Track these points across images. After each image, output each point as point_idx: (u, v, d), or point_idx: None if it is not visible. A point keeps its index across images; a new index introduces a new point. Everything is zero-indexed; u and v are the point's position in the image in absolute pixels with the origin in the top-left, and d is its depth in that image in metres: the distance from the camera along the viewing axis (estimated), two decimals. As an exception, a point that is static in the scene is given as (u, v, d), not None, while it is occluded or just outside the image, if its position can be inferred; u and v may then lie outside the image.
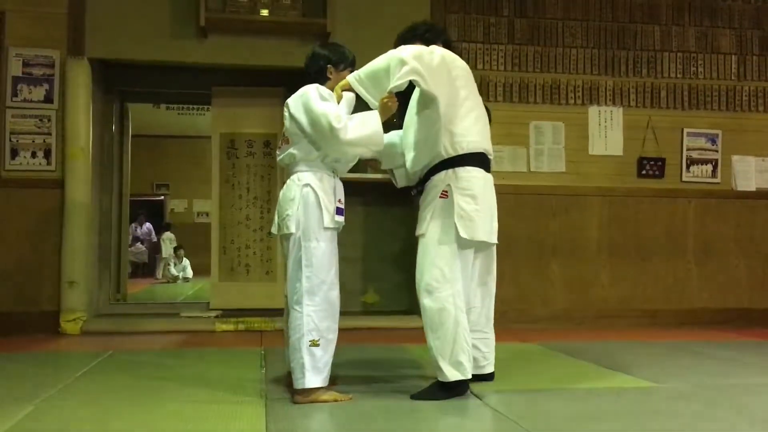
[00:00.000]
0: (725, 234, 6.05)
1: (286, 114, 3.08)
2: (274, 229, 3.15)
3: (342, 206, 3.07)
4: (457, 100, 3.10)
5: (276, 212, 3.12)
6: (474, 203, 3.05)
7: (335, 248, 3.05)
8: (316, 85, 3.05)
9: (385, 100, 3.04)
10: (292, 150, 3.06)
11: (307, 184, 3.00)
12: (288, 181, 3.08)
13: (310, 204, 2.98)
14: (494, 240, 3.19)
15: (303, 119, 2.99)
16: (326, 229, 2.98)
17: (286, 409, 2.87)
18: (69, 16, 5.34)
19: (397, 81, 2.95)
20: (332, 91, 3.09)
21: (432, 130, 3.10)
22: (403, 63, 2.96)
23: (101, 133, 5.85)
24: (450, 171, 3.07)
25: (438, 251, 3.05)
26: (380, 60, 3.04)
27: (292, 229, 2.97)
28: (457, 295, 3.03)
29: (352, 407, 2.91)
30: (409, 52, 3.01)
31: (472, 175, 3.09)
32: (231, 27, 5.45)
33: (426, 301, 3.05)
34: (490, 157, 3.22)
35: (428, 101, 3.09)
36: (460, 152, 3.08)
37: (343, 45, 3.25)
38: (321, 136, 2.96)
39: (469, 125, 3.11)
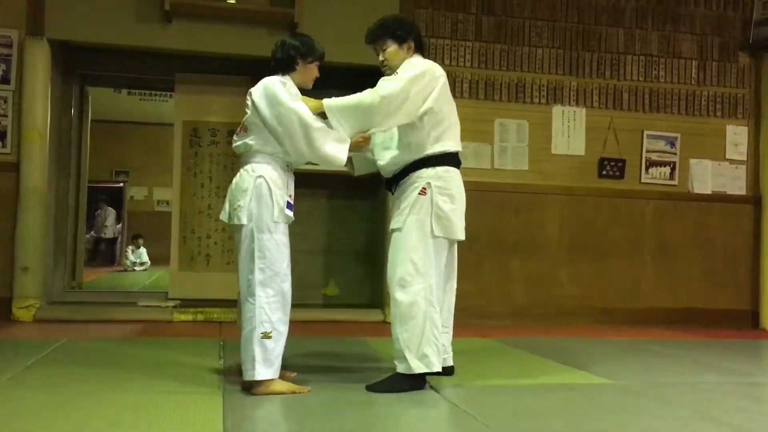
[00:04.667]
0: (681, 235, 6.19)
1: (249, 103, 3.06)
2: (223, 217, 3.11)
3: (291, 201, 3.06)
4: (440, 109, 3.17)
5: (227, 200, 3.09)
6: (451, 203, 3.13)
7: (287, 241, 3.04)
8: (280, 79, 3.04)
9: (360, 141, 3.10)
10: (248, 140, 3.04)
11: (260, 176, 2.97)
12: (241, 170, 3.05)
13: (263, 196, 2.96)
14: (463, 236, 3.23)
15: (266, 112, 2.97)
16: (277, 222, 2.97)
17: (244, 400, 2.85)
18: (29, -5, 5.20)
19: (381, 129, 3.09)
20: (297, 84, 3.09)
21: (415, 136, 3.15)
22: (388, 108, 3.00)
23: (59, 116, 5.71)
24: (430, 169, 3.13)
25: (413, 246, 3.08)
26: (362, 98, 3.04)
27: (244, 221, 2.95)
28: (428, 289, 3.07)
29: (310, 399, 2.90)
30: (392, 93, 3.01)
31: (450, 175, 3.18)
32: (197, 13, 5.37)
33: (398, 294, 3.08)
34: (461, 158, 3.30)
35: None
36: (440, 152, 3.15)
37: (314, 38, 3.24)
38: (289, 132, 2.94)
39: (449, 128, 3.20)
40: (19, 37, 5.20)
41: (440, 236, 3.09)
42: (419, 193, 3.11)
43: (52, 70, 5.30)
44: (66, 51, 5.66)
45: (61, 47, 5.53)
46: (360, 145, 3.12)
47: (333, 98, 3.07)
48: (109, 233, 13.16)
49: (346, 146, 3.04)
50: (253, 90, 3.06)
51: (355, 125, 3.07)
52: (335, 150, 3.01)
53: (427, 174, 3.12)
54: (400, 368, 3.07)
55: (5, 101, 5.19)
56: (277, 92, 2.97)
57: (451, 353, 3.39)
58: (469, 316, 5.40)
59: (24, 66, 5.16)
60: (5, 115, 5.19)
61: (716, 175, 6.29)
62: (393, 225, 3.19)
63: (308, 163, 3.16)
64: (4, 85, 5.20)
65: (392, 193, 3.29)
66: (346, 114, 3.05)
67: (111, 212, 13.20)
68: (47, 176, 5.27)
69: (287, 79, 3.08)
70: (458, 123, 3.29)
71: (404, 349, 3.04)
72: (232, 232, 3.13)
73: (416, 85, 3.06)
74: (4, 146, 5.18)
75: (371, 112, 3.03)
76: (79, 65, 6.00)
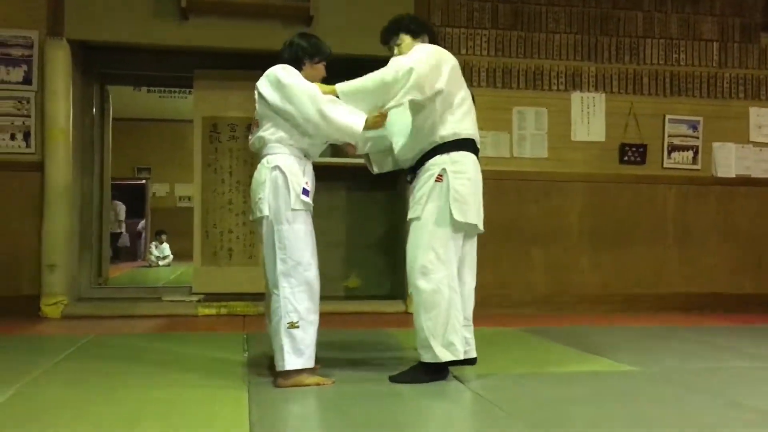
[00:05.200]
0: (704, 220, 6.12)
1: (256, 96, 3.08)
2: (251, 216, 3.14)
3: (309, 188, 3.05)
4: (452, 91, 3.14)
5: (251, 197, 3.12)
6: (469, 186, 3.10)
7: (309, 229, 3.04)
8: (280, 66, 3.06)
9: (377, 117, 3.07)
10: (261, 133, 3.07)
11: (276, 167, 2.99)
12: (258, 165, 3.08)
13: (279, 186, 2.98)
14: (482, 226, 3.21)
15: (274, 96, 3.00)
16: (295, 210, 2.98)
17: (269, 393, 2.88)
18: (48, -4, 5.25)
19: (395, 102, 3.01)
20: None
21: (428, 120, 3.13)
22: (400, 81, 2.97)
23: (81, 115, 5.78)
24: (445, 155, 3.11)
25: (433, 234, 3.07)
26: (373, 75, 3.04)
27: (266, 212, 2.97)
28: (451, 277, 3.06)
29: (335, 391, 2.93)
30: (403, 66, 3.00)
31: (467, 159, 3.13)
32: (213, 9, 5.39)
33: (421, 283, 3.06)
34: (479, 145, 3.26)
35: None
36: (455, 138, 3.12)
37: (321, 39, 3.25)
38: (301, 108, 2.96)
39: (463, 114, 3.17)
40: (39, 38, 5.26)
41: (459, 220, 3.06)
42: (435, 180, 3.09)
43: (72, 70, 5.36)
44: (86, 50, 5.72)
45: (81, 47, 5.59)
46: (377, 122, 3.09)
47: (345, 82, 3.08)
48: (116, 228, 13.17)
49: (362, 118, 3.02)
50: (257, 83, 3.09)
51: (370, 102, 3.06)
52: (350, 119, 3.00)
53: (441, 160, 3.10)
54: (426, 357, 3.06)
55: (28, 102, 5.26)
56: (278, 76, 3.00)
57: (473, 345, 3.37)
58: (489, 306, 5.40)
59: (45, 66, 5.23)
60: (28, 116, 5.26)
61: (740, 158, 6.21)
62: (411, 214, 3.17)
63: (331, 144, 3.17)
64: (27, 86, 5.27)
65: (410, 183, 3.29)
66: (360, 94, 3.05)
67: (121, 207, 13.27)
68: (71, 175, 5.33)
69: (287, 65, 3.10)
70: (473, 110, 3.26)
71: (429, 338, 3.03)
72: (255, 226, 3.15)
73: (427, 61, 3.05)
74: (28, 146, 5.25)
75: (383, 88, 3.01)
76: (99, 64, 6.07)
